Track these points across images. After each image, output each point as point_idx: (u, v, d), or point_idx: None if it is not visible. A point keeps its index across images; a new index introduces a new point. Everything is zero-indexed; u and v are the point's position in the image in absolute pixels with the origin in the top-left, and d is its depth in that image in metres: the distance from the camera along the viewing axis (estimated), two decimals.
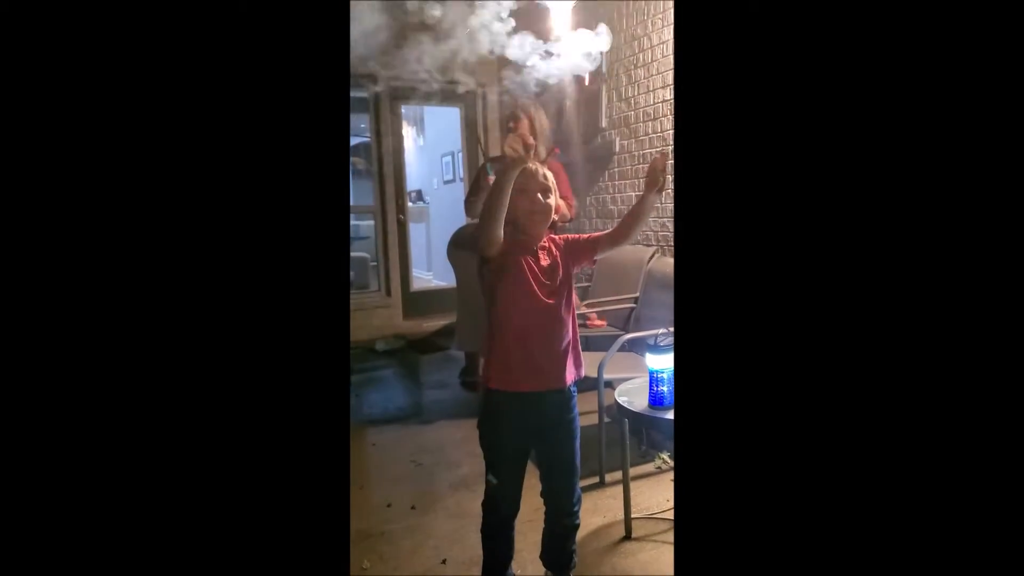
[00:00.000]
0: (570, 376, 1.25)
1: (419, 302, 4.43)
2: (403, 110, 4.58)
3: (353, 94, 3.26)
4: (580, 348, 1.28)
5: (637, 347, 2.23)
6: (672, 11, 2.64)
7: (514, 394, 1.22)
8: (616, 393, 1.61)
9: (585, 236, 1.30)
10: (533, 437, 1.26)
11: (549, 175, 1.24)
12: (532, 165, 1.21)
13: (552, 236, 1.29)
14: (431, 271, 5.82)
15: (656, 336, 1.51)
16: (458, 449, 2.29)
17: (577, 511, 1.30)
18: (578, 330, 1.28)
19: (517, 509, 1.30)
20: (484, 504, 1.30)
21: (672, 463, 2.05)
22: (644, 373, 1.54)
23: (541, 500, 1.33)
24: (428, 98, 4.45)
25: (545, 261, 1.23)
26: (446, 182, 5.59)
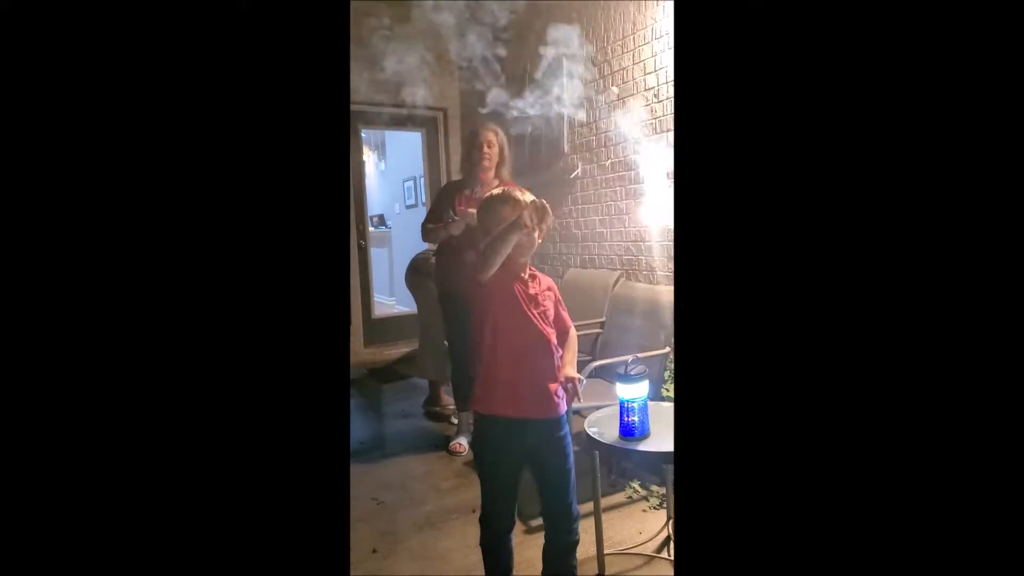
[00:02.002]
0: (562, 407, 1.30)
1: (381, 329, 4.31)
2: (364, 134, 4.52)
3: None
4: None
5: (605, 374, 2.19)
6: (631, 38, 2.68)
7: (503, 418, 1.26)
8: (586, 424, 1.56)
9: (564, 312, 1.36)
10: (525, 457, 1.29)
11: (539, 208, 1.28)
12: (518, 194, 1.31)
13: (552, 285, 1.36)
14: (393, 296, 5.71)
15: (626, 364, 1.47)
16: (422, 483, 2.19)
17: (576, 528, 1.33)
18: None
19: (512, 523, 1.34)
20: (481, 519, 1.34)
21: (643, 492, 2.00)
22: (613, 400, 1.49)
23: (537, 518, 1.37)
24: (389, 122, 4.41)
25: (537, 296, 1.30)
26: (408, 207, 5.53)
